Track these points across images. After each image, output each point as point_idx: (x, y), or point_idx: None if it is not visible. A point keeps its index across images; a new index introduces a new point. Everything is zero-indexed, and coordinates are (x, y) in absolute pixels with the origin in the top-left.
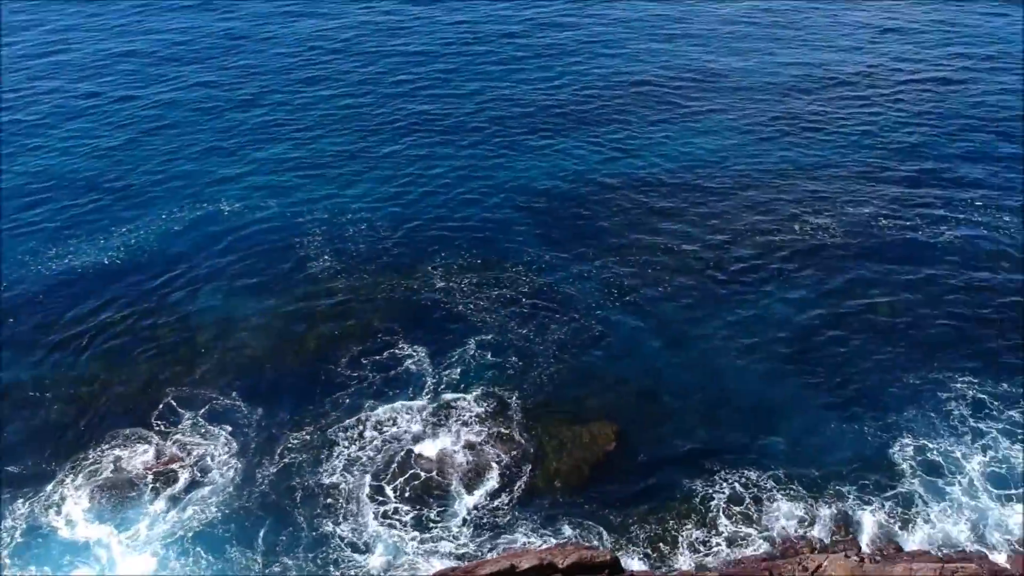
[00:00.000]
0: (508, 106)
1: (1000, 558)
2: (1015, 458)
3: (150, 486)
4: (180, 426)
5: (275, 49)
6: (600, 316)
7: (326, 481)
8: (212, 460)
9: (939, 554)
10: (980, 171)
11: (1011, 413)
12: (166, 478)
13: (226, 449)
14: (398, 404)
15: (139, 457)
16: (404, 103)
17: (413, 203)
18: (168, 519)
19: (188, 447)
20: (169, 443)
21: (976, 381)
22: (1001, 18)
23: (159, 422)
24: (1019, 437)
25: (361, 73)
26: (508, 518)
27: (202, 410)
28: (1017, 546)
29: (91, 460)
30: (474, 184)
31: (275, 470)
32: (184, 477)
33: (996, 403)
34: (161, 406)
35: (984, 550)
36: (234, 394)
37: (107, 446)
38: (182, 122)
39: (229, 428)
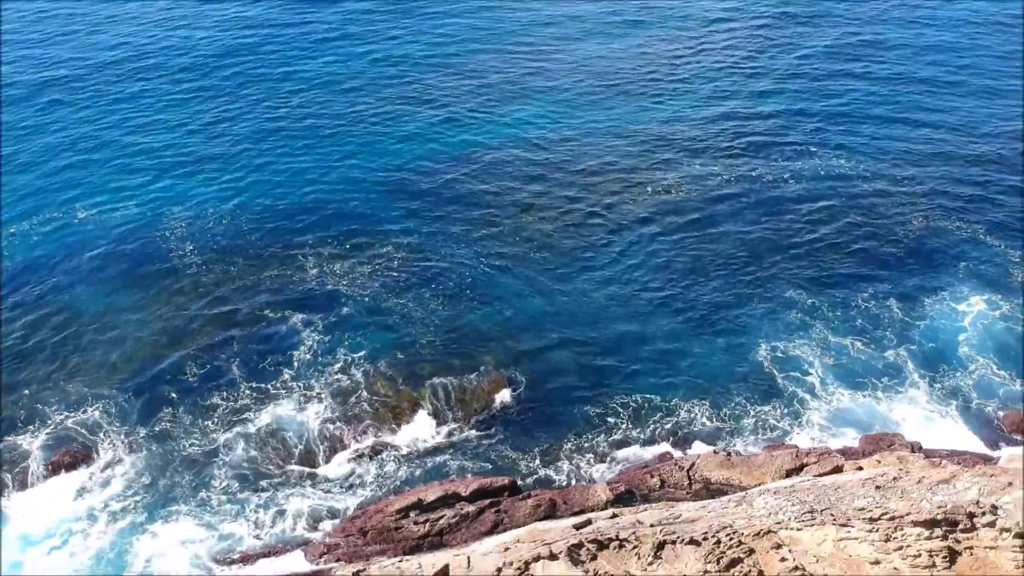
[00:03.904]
0: (358, 85)
1: (852, 442)
2: (848, 350)
3: (52, 475)
4: (69, 421)
5: (105, 48)
6: (473, 280)
7: (210, 451)
8: (101, 446)
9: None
10: (807, 115)
11: (837, 312)
12: (68, 465)
13: (111, 437)
14: (280, 378)
15: (36, 450)
16: (251, 91)
17: (273, 192)
18: (75, 499)
19: (80, 438)
20: (65, 436)
21: (807, 292)
22: None
23: (48, 420)
24: (848, 330)
25: (204, 64)
26: (408, 465)
27: (84, 404)
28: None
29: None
30: (334, 168)
31: (158, 447)
32: (81, 465)
33: (825, 307)
34: (45, 405)
35: (840, 434)
36: (114, 388)
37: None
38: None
39: (113, 418)
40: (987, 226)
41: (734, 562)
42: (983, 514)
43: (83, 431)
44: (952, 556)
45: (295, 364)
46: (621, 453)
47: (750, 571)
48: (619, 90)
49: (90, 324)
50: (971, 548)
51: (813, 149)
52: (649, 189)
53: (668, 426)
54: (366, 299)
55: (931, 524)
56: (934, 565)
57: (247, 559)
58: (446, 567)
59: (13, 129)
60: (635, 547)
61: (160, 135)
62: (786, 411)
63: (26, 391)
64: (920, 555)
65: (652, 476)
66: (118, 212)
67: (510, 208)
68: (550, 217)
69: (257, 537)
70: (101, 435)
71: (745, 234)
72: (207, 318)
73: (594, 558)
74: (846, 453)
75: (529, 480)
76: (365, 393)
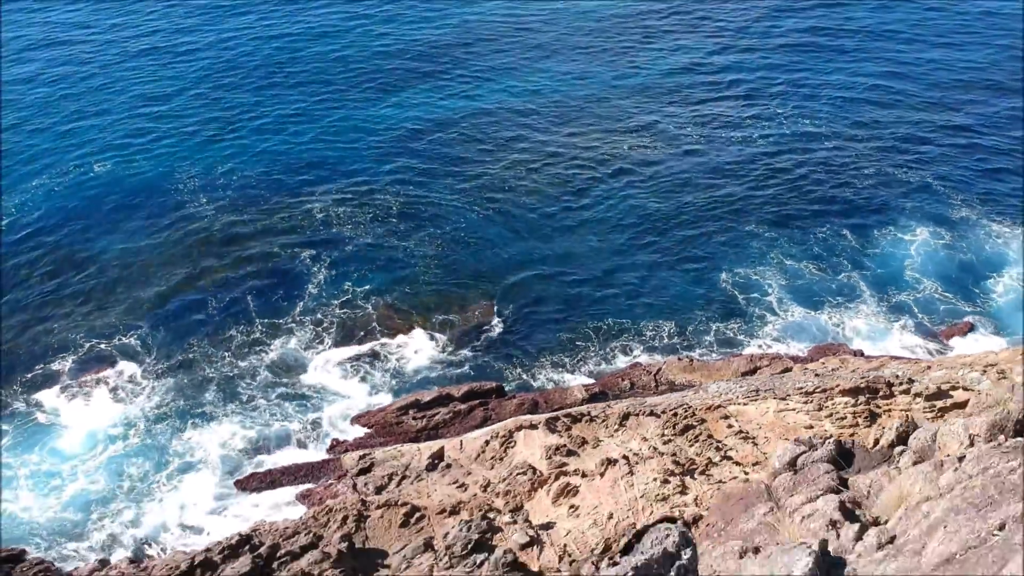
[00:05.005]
0: (347, 44)
1: (804, 352)
2: (804, 274)
3: (86, 392)
4: (101, 345)
5: (109, 16)
6: (466, 222)
7: (233, 374)
8: (131, 369)
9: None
10: (773, 75)
11: (795, 243)
12: (101, 382)
13: (141, 362)
14: (293, 311)
15: (67, 372)
16: (246, 56)
17: (275, 147)
18: (109, 412)
19: (111, 360)
20: (96, 358)
21: (768, 226)
22: None
23: (79, 348)
24: (804, 256)
25: (201, 29)
26: (406, 378)
27: (114, 334)
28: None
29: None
30: (331, 126)
31: (185, 372)
32: (114, 383)
33: (784, 239)
34: (75, 334)
35: (794, 346)
36: (139, 320)
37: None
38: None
39: (141, 346)
40: (932, 171)
41: (688, 428)
42: (900, 384)
43: (114, 353)
44: (872, 417)
45: (306, 297)
46: (595, 366)
47: (701, 434)
48: (598, 52)
49: (113, 264)
50: (889, 411)
51: (776, 105)
52: (625, 141)
53: (637, 343)
54: (369, 240)
55: (855, 392)
56: (857, 425)
57: (270, 452)
58: (441, 448)
59: (21, 87)
60: (604, 420)
61: (163, 95)
62: (745, 327)
63: (55, 325)
64: (845, 417)
65: (623, 380)
66: (132, 166)
67: (498, 159)
68: (535, 167)
69: (296, 439)
70: (131, 360)
71: (712, 179)
72: (223, 258)
73: (568, 428)
74: (796, 359)
75: (513, 386)
76: (371, 322)
